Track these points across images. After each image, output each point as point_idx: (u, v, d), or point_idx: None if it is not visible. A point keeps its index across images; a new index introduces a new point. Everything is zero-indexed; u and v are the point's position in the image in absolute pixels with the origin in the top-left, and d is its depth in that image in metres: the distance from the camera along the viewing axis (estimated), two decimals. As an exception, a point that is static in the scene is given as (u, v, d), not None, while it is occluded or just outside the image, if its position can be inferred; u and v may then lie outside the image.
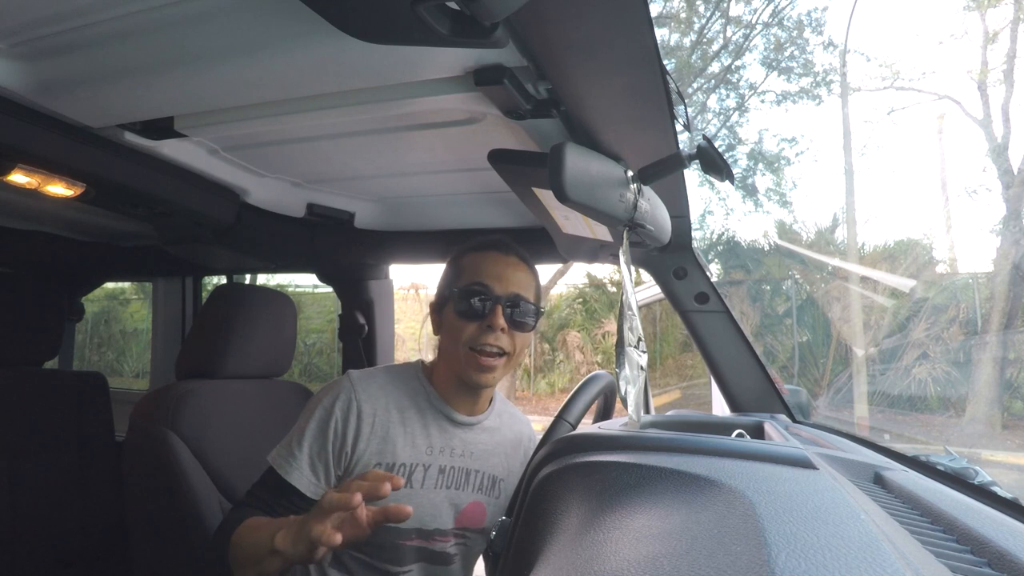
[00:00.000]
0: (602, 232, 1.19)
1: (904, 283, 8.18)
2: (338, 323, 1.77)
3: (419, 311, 10.89)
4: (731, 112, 11.07)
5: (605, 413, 1.14)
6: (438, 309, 1.02)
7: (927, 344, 7.23)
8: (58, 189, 1.14)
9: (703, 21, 10.66)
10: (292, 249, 1.64)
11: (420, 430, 0.98)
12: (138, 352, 10.09)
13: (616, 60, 0.65)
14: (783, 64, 10.68)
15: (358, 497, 0.70)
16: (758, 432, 0.90)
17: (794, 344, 8.50)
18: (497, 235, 1.07)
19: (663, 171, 0.75)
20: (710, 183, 10.50)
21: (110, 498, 1.63)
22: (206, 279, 2.23)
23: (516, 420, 1.13)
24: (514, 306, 0.97)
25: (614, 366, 0.69)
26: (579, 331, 10.37)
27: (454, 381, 1.00)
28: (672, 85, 0.74)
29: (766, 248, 10.05)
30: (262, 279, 7.57)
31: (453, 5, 0.57)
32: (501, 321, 0.95)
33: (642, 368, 0.69)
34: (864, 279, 8.38)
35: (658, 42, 0.61)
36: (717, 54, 10.75)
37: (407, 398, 1.00)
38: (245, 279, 2.39)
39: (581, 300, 10.81)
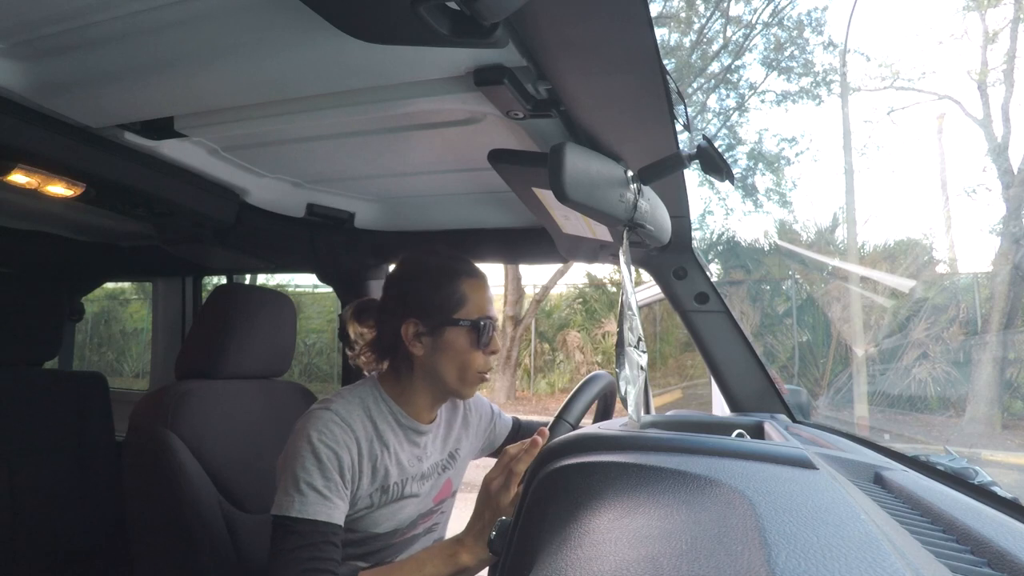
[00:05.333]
0: (602, 232, 1.19)
1: (904, 283, 8.17)
2: (338, 323, 1.77)
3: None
4: (731, 112, 11.08)
5: (605, 413, 1.14)
6: (429, 332, 0.99)
7: (927, 344, 7.23)
8: (58, 189, 1.14)
9: (703, 21, 10.66)
10: (292, 249, 1.64)
11: (397, 448, 1.01)
12: (138, 352, 10.09)
13: (616, 60, 0.65)
14: (783, 64, 10.69)
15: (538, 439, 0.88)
16: (758, 432, 0.90)
17: (794, 344, 8.50)
18: (471, 261, 1.08)
19: (663, 171, 0.75)
20: (710, 183, 10.51)
21: (110, 498, 1.63)
22: (206, 279, 2.23)
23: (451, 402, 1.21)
24: (495, 328, 1.06)
25: (614, 366, 0.69)
26: (579, 331, 10.37)
27: (429, 397, 1.04)
28: (672, 85, 0.74)
29: (766, 248, 10.05)
30: (262, 279, 7.58)
31: (453, 5, 0.57)
32: (498, 345, 1.06)
33: (642, 368, 0.69)
34: (864, 279, 8.38)
35: (658, 42, 0.61)
36: (717, 54, 10.76)
37: (382, 422, 1.00)
38: (245, 279, 2.39)
39: (581, 300, 10.81)
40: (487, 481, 0.88)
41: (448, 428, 1.15)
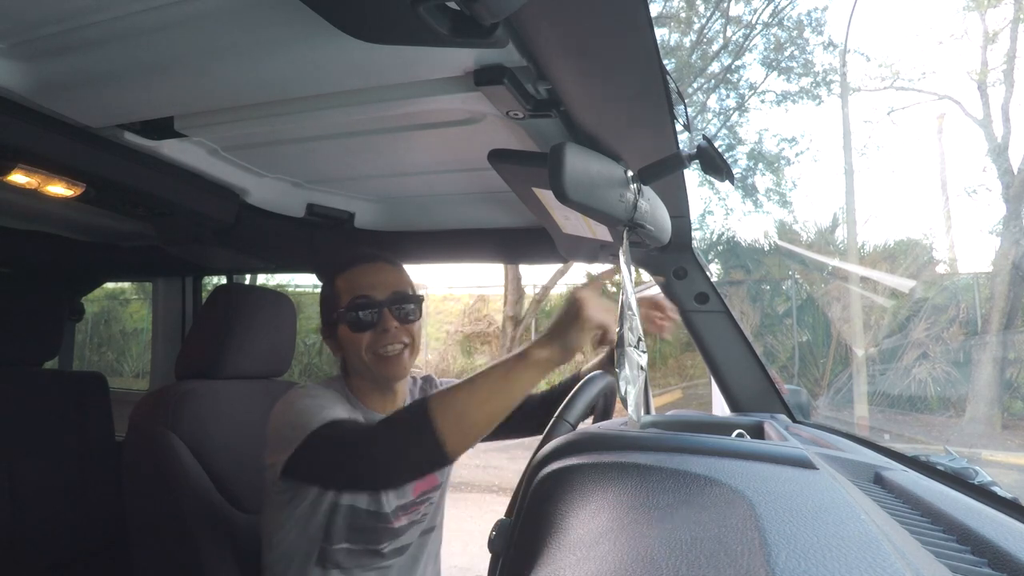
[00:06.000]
0: (602, 232, 1.19)
1: (904, 283, 8.17)
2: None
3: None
4: (731, 112, 11.07)
5: (605, 413, 1.15)
6: (330, 333, 1.06)
7: (927, 344, 7.23)
8: (58, 189, 1.14)
9: (703, 21, 10.65)
10: (292, 249, 1.64)
11: None
12: (138, 352, 10.08)
13: (616, 60, 0.65)
14: (783, 64, 10.67)
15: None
16: (758, 432, 0.90)
17: (794, 344, 8.50)
18: (360, 248, 1.12)
19: (663, 171, 0.75)
20: (710, 183, 10.49)
21: (110, 498, 1.63)
22: (206, 279, 2.23)
23: (416, 388, 1.21)
24: (396, 306, 1.04)
25: (614, 366, 0.69)
26: (579, 331, 10.33)
27: (370, 387, 1.07)
28: (672, 85, 0.74)
29: (766, 248, 10.05)
30: (262, 279, 7.58)
31: (453, 5, 0.57)
32: (393, 323, 1.02)
33: (642, 368, 0.69)
34: (864, 279, 8.38)
35: (658, 42, 0.61)
36: (717, 54, 10.74)
37: (352, 411, 1.05)
38: (245, 279, 2.39)
39: (581, 300, 10.78)
40: (576, 290, 0.84)
41: None
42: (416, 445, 0.81)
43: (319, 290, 1.13)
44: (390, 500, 1.05)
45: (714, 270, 11.04)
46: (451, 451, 0.80)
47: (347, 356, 1.06)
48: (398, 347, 1.03)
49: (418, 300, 1.08)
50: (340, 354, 1.08)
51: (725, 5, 10.46)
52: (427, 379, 1.26)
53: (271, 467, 0.95)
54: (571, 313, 0.82)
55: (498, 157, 0.96)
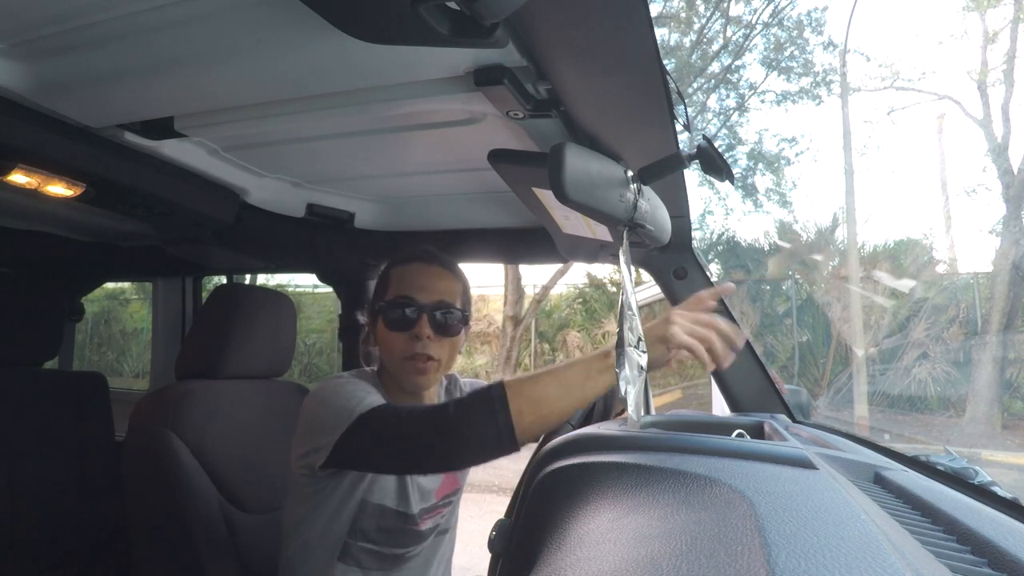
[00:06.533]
0: (602, 232, 1.19)
1: (904, 283, 8.18)
2: (338, 323, 1.78)
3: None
4: (731, 112, 11.08)
5: (605, 413, 1.15)
6: (372, 322, 1.05)
7: (927, 344, 7.24)
8: (58, 189, 1.14)
9: (703, 21, 10.67)
10: (292, 249, 1.64)
11: None
12: (138, 352, 10.09)
13: (616, 60, 0.65)
14: (783, 64, 10.69)
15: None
16: (758, 432, 0.90)
17: (794, 344, 8.50)
18: (424, 246, 1.09)
19: (663, 171, 0.75)
20: (710, 183, 10.51)
21: (110, 498, 1.63)
22: (206, 279, 2.23)
23: (443, 390, 1.18)
24: (439, 313, 1.01)
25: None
26: (579, 331, 10.37)
27: (398, 388, 1.04)
28: (672, 85, 0.74)
29: (766, 248, 10.06)
30: (262, 279, 7.58)
31: (453, 5, 0.57)
32: (427, 330, 0.99)
33: (642, 368, 0.69)
34: (864, 279, 8.38)
35: (658, 42, 0.61)
36: (717, 54, 10.76)
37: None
38: (245, 279, 2.39)
39: (581, 300, 10.81)
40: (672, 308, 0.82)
41: None
42: (488, 426, 0.77)
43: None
44: (415, 502, 1.03)
45: (714, 270, 11.05)
46: (520, 437, 0.77)
47: (381, 351, 1.04)
48: (429, 359, 1.00)
49: (462, 313, 1.04)
50: (375, 347, 1.05)
51: (725, 5, 10.47)
52: (451, 379, 1.23)
53: (303, 456, 0.92)
54: (658, 327, 0.79)
55: (498, 157, 0.96)
